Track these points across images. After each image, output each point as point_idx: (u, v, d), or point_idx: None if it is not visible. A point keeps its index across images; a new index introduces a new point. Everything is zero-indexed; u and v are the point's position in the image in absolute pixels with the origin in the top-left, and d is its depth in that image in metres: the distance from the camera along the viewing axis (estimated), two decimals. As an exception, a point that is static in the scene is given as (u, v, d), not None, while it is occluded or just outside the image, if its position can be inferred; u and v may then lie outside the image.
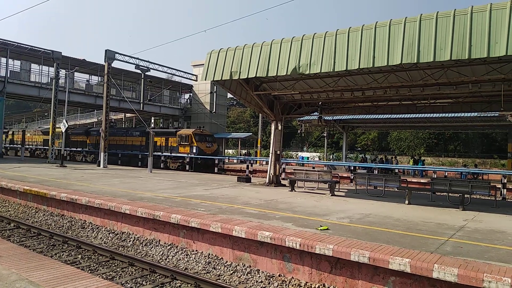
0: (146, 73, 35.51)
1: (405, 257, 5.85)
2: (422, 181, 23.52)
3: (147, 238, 9.52)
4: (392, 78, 13.25)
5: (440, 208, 11.60)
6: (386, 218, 9.47)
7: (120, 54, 30.95)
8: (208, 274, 7.37)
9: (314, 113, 20.55)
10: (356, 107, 18.80)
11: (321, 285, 6.62)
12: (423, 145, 55.37)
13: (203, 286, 6.63)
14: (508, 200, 17.89)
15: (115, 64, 30.78)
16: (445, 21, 9.39)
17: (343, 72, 12.78)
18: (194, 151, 28.91)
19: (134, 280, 7.00)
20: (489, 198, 15.46)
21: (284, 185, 16.90)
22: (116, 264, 7.88)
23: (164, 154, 30.60)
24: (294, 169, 16.45)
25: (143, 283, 6.88)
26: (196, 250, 8.54)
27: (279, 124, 17.71)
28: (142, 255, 8.50)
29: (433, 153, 55.12)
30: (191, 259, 8.15)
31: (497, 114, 19.46)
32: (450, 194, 12.65)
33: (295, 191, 14.95)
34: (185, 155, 29.12)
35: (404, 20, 10.03)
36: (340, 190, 15.94)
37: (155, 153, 28.16)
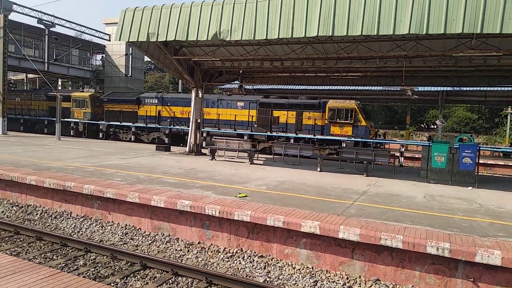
0: (51, 29, 31.84)
1: (315, 220, 6.35)
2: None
3: (56, 211, 8.92)
4: (309, 50, 13.74)
5: (347, 174, 12.68)
6: (300, 184, 10.10)
7: (19, 5, 27.23)
8: (125, 245, 7.22)
9: (235, 82, 20.58)
10: (275, 77, 19.19)
11: (239, 249, 6.92)
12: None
13: (120, 257, 6.49)
14: (405, 166, 20.17)
15: (14, 16, 27.06)
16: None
17: (263, 41, 12.89)
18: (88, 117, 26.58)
19: (43, 255, 6.59)
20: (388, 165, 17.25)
21: (205, 154, 16.91)
22: (22, 239, 7.31)
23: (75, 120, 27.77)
24: (215, 138, 16.48)
25: (54, 257, 6.51)
26: (112, 222, 8.27)
27: (199, 92, 17.42)
28: (52, 229, 7.99)
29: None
30: (106, 230, 7.88)
31: (399, 89, 21.46)
32: (356, 162, 13.82)
33: (215, 160, 15.07)
34: (78, 120, 26.80)
35: (321, -7, 10.31)
36: (259, 158, 16.45)
37: (65, 120, 25.86)
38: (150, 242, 7.35)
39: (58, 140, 21.47)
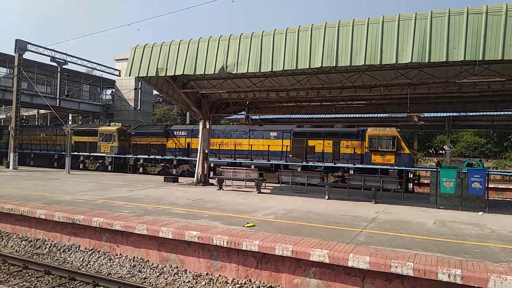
0: (63, 66, 32.94)
1: (324, 249, 6.29)
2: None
3: (65, 244, 8.94)
4: (313, 80, 14.02)
5: (356, 202, 12.58)
6: (308, 212, 10.04)
7: (33, 45, 28.31)
8: (133, 277, 7.17)
9: (242, 112, 20.89)
10: (281, 107, 19.50)
11: (247, 280, 6.83)
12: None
13: (128, 290, 6.45)
14: (415, 192, 19.94)
15: (28, 55, 28.10)
16: (360, 29, 10.18)
17: (269, 73, 13.22)
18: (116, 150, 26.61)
19: (51, 289, 6.57)
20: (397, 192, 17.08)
21: (212, 184, 16.95)
22: (30, 274, 7.32)
23: (84, 154, 28.00)
24: (222, 168, 16.57)
25: (62, 292, 6.49)
26: (120, 254, 8.25)
27: (207, 123, 17.70)
28: (60, 262, 7.99)
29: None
30: (114, 263, 7.85)
31: (405, 115, 21.53)
32: (364, 189, 13.73)
33: (223, 189, 15.09)
34: (105, 154, 26.75)
35: (324, 26, 10.66)
36: (266, 187, 16.43)
37: (74, 153, 26.22)
38: (158, 274, 7.30)
39: (68, 173, 21.72)
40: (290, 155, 21.29)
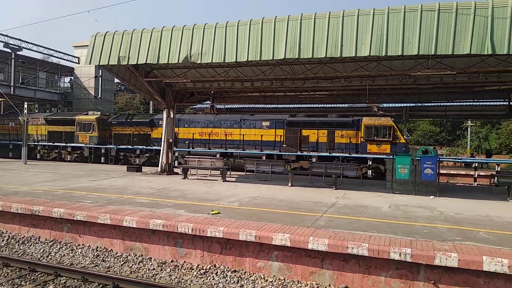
0: (18, 53, 31.23)
1: (286, 233, 6.57)
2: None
3: (24, 236, 8.71)
4: (277, 71, 14.26)
5: (317, 188, 13.04)
6: (272, 199, 10.33)
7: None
8: (96, 267, 7.15)
9: (207, 102, 20.83)
10: (246, 97, 19.63)
11: (212, 266, 7.01)
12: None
13: (91, 279, 6.44)
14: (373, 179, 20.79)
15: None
16: (322, 22, 10.48)
17: (233, 63, 13.29)
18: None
19: (11, 281, 6.43)
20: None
21: (177, 174, 16.90)
22: (-14, 267, 7.09)
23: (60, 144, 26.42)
24: (187, 157, 16.55)
25: (22, 283, 6.38)
26: (83, 244, 8.17)
27: (171, 112, 17.54)
28: (20, 254, 7.79)
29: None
30: (77, 254, 7.78)
31: (365, 105, 22.27)
32: (325, 176, 14.22)
33: (188, 178, 15.11)
34: (84, 145, 25.39)
35: (287, 18, 10.86)
36: (232, 176, 16.61)
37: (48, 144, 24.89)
38: (122, 263, 7.32)
39: (24, 164, 20.84)
40: (284, 145, 21.30)
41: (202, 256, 7.19)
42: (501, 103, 19.02)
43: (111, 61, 13.04)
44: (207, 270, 6.87)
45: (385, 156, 18.71)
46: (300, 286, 6.24)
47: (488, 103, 21.55)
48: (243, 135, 22.10)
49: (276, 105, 25.70)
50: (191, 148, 23.02)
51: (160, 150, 22.81)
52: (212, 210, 8.44)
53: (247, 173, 16.24)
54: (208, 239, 7.12)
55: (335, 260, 6.30)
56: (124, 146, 24.79)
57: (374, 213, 8.71)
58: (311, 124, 21.18)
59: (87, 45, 13.86)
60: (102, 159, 25.33)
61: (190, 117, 24.64)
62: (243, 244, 6.88)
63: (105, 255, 7.67)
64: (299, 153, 20.74)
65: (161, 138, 22.94)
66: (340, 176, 13.37)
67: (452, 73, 11.95)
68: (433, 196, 11.47)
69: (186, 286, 6.32)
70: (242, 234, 6.75)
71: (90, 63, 13.66)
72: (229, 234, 6.85)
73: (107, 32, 13.23)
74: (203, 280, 6.52)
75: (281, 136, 21.43)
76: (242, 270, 6.82)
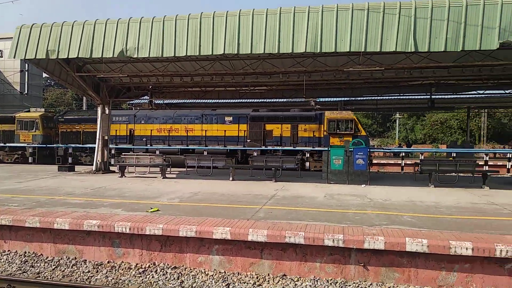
0: None
1: (226, 227, 6.65)
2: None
3: None
4: (217, 66, 14.24)
5: (258, 181, 13.30)
6: (213, 194, 10.36)
7: None
8: (24, 273, 6.70)
9: (145, 97, 20.22)
10: (186, 92, 19.38)
11: (151, 264, 6.90)
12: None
13: (19, 286, 6.03)
14: (311, 170, 21.61)
15: None
16: (260, 18, 10.65)
17: (172, 57, 13.04)
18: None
19: None
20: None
21: (114, 172, 16.24)
22: None
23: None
24: (124, 154, 15.94)
25: None
26: (9, 250, 7.60)
27: (106, 108, 16.77)
28: None
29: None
30: (1, 261, 7.22)
31: (303, 100, 23.04)
32: (265, 169, 14.53)
33: (125, 176, 14.59)
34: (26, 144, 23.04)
35: (226, 13, 10.88)
36: (172, 172, 16.32)
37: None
38: (54, 267, 6.92)
39: None
40: (248, 140, 21.24)
41: (141, 255, 7.04)
42: (424, 96, 20.74)
43: (38, 55, 12.17)
44: (146, 269, 6.74)
45: (321, 148, 19.59)
46: (240, 278, 6.36)
47: (413, 97, 23.38)
48: (205, 130, 21.73)
49: (217, 100, 25.65)
50: (149, 145, 22.09)
51: (113, 148, 21.62)
52: (151, 208, 8.27)
53: (188, 169, 16.06)
54: (147, 237, 6.98)
55: (273, 250, 6.50)
56: (73, 145, 22.96)
57: (310, 202, 9.10)
58: (274, 119, 21.36)
59: (12, 37, 12.78)
60: (56, 160, 22.92)
61: (147, 113, 23.57)
62: (183, 240, 6.84)
63: (34, 260, 7.20)
64: (263, 147, 20.90)
65: (115, 135, 22.23)
66: (280, 169, 13.74)
67: (381, 69, 12.80)
68: (365, 185, 12.23)
69: (124, 286, 6.16)
70: (183, 230, 6.71)
71: (14, 57, 12.64)
72: (169, 231, 6.77)
73: (34, 24, 12.31)
74: (142, 279, 6.40)
75: (244, 131, 21.42)
76: (183, 266, 6.79)
